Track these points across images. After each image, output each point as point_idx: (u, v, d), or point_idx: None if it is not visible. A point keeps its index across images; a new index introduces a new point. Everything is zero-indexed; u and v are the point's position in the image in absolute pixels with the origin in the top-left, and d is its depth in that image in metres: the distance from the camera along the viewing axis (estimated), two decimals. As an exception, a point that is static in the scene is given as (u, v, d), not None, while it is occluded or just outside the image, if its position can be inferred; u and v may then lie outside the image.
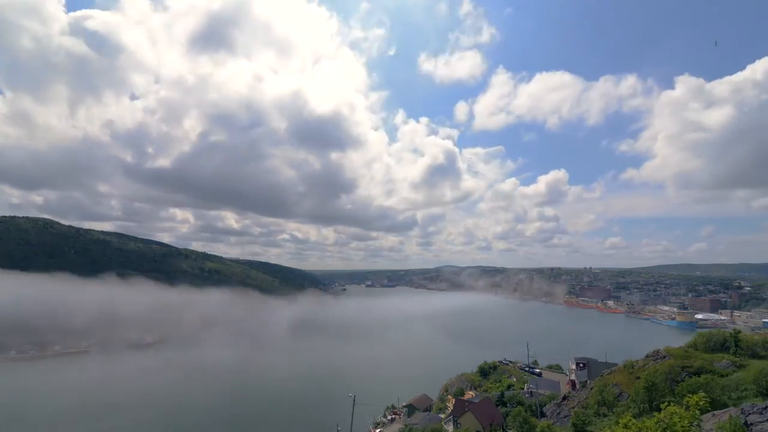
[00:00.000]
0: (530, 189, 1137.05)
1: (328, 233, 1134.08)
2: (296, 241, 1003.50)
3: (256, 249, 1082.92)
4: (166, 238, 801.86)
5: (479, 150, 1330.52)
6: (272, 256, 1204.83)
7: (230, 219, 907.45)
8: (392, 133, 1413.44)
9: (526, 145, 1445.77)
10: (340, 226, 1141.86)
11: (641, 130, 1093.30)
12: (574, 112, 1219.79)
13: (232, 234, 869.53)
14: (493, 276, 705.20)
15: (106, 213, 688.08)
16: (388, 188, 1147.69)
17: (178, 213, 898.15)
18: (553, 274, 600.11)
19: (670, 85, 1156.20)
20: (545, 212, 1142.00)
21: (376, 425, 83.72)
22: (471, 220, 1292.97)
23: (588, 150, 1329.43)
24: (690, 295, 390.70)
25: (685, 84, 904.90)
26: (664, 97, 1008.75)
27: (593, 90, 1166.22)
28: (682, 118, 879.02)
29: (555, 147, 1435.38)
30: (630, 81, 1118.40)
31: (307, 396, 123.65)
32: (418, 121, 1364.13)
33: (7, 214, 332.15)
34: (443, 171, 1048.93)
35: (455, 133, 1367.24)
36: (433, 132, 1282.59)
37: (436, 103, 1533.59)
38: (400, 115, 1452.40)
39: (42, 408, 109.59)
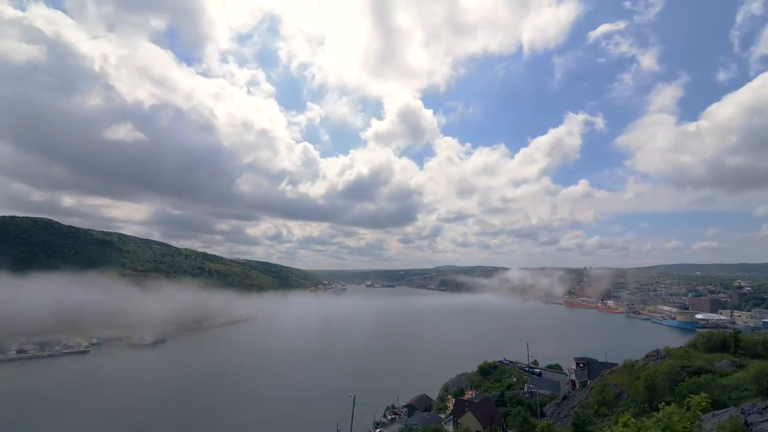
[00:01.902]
0: (531, 187, 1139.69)
1: (316, 230, 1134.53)
2: (287, 239, 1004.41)
3: (242, 248, 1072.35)
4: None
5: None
6: (260, 255, 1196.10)
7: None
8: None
9: (526, 138, 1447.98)
10: (335, 224, 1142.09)
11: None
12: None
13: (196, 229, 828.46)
14: (493, 276, 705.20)
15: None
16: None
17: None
18: (553, 275, 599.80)
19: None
20: (545, 212, 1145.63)
21: (376, 425, 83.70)
22: (470, 219, 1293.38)
23: (587, 147, 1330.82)
24: (690, 295, 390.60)
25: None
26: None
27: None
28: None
29: (554, 141, 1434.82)
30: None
31: (307, 395, 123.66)
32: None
33: (8, 214, 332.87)
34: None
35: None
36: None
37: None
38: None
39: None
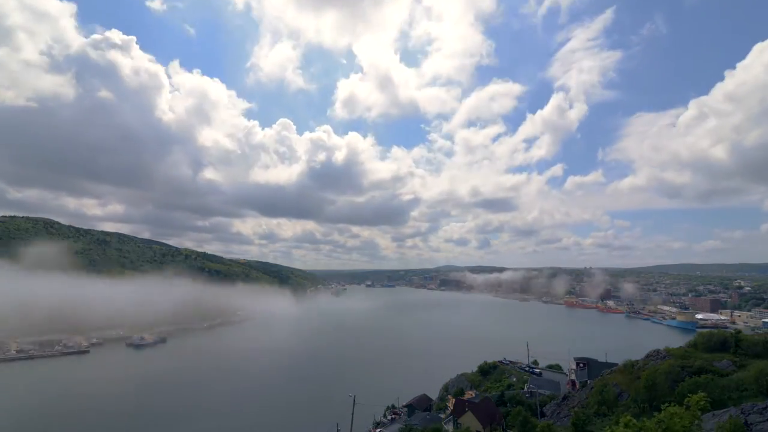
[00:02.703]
0: (531, 186, 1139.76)
1: (306, 227, 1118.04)
2: (279, 238, 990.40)
3: (235, 247, 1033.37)
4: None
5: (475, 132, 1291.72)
6: (255, 254, 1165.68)
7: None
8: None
9: (526, 137, 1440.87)
10: (323, 222, 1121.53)
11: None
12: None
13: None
14: (493, 275, 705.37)
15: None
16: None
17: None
18: (553, 274, 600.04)
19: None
20: (544, 211, 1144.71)
21: (376, 425, 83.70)
22: (468, 215, 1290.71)
23: (587, 144, 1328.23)
24: (690, 295, 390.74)
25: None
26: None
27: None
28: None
29: (554, 137, 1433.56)
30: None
31: (307, 395, 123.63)
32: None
33: (8, 214, 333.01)
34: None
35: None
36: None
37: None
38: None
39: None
